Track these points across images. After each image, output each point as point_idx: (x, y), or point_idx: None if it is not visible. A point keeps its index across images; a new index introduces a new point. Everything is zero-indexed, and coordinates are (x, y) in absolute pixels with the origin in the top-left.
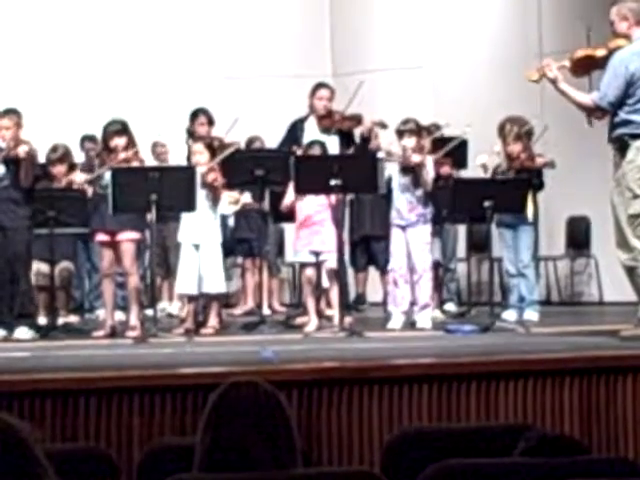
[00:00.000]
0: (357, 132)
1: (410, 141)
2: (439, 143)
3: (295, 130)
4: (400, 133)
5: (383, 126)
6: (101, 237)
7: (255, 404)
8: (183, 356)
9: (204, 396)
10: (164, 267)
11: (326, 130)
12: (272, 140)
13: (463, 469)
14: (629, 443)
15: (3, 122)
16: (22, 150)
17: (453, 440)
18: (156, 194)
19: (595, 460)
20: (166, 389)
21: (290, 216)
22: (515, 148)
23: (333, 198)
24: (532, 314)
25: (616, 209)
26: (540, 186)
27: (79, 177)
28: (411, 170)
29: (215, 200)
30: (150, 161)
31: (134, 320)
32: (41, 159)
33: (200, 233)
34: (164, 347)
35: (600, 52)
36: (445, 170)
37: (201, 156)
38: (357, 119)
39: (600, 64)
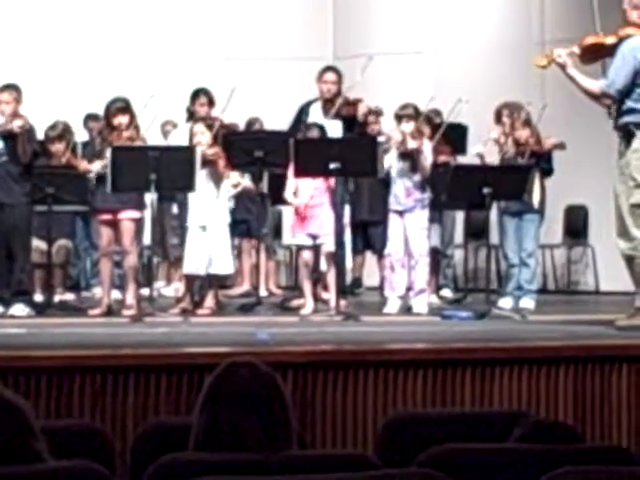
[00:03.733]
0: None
1: (408, 126)
2: (439, 129)
3: (301, 113)
4: (399, 118)
5: (379, 113)
6: (102, 215)
7: (252, 385)
8: (179, 336)
9: (199, 376)
10: (161, 248)
11: (328, 114)
12: (272, 122)
13: (459, 453)
14: (622, 431)
15: (3, 97)
16: (16, 125)
17: (447, 425)
18: (156, 174)
19: (589, 448)
20: (161, 368)
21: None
22: (524, 133)
23: (332, 181)
24: (528, 302)
25: (618, 198)
26: (549, 171)
27: (95, 166)
28: (409, 155)
29: (218, 179)
30: (158, 139)
31: (131, 299)
32: (42, 136)
33: (207, 215)
34: (160, 326)
35: (610, 40)
36: (443, 158)
37: (202, 136)
38: (354, 104)
39: (609, 52)
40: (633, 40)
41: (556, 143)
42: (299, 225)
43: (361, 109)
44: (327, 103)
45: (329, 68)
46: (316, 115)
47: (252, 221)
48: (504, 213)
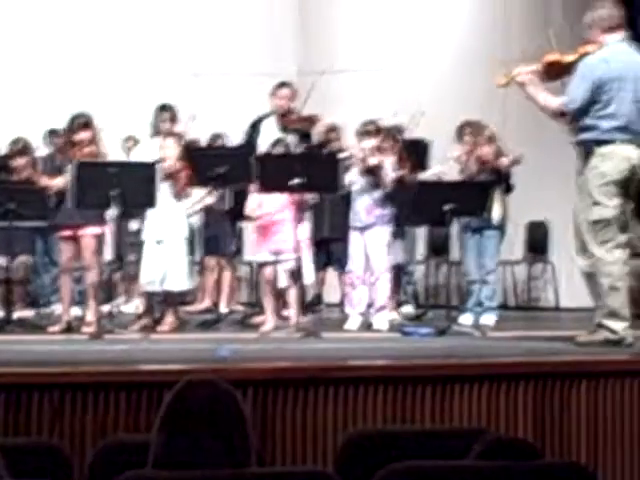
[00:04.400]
0: (316, 132)
1: (370, 142)
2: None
3: (254, 129)
4: (360, 134)
5: (333, 130)
6: (63, 232)
7: (211, 402)
8: (139, 353)
9: (159, 393)
10: (121, 264)
11: (284, 129)
12: (237, 138)
13: (418, 470)
14: (582, 448)
15: None
16: None
17: (407, 442)
18: (117, 189)
19: (548, 465)
20: (121, 386)
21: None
22: (486, 150)
23: (295, 197)
24: (489, 318)
25: (578, 215)
26: (509, 188)
27: (56, 182)
28: (370, 172)
29: (178, 194)
30: (120, 156)
31: (91, 316)
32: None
33: (164, 229)
34: (120, 344)
35: (570, 57)
36: (400, 173)
37: (170, 150)
38: (311, 120)
39: (570, 69)
40: (591, 57)
41: (512, 160)
42: (261, 241)
43: (319, 126)
44: (281, 118)
45: (283, 84)
46: (270, 130)
47: (219, 238)
48: (464, 229)
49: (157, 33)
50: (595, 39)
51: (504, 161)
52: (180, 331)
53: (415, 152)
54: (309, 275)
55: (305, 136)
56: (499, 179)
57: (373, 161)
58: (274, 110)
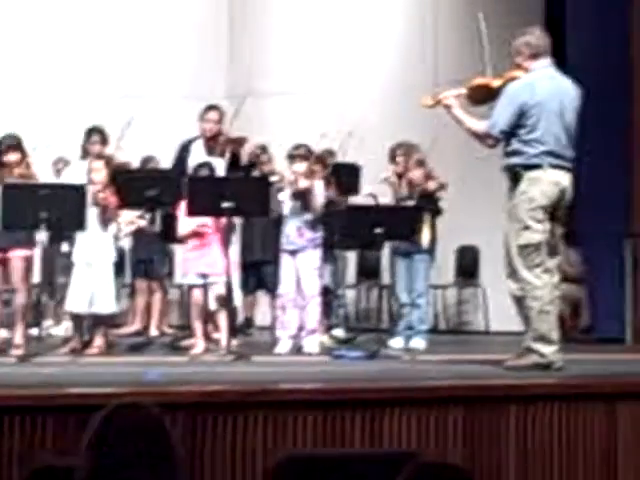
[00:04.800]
0: (244, 154)
1: (301, 166)
2: (333, 169)
3: (183, 151)
4: (291, 158)
5: (263, 150)
6: None
7: (139, 427)
8: (67, 376)
9: (87, 417)
10: (50, 287)
11: (212, 152)
12: (167, 161)
13: None
14: (511, 472)
15: None
16: None
17: (337, 466)
18: (46, 212)
19: None
20: (48, 409)
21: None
22: (417, 173)
23: (223, 221)
24: (419, 342)
25: (507, 239)
26: (437, 212)
27: None
28: (301, 195)
29: (106, 220)
30: (50, 177)
31: (19, 338)
32: None
33: (93, 252)
34: (48, 366)
35: (496, 82)
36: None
37: (98, 174)
38: (239, 142)
39: (496, 94)
40: (517, 82)
41: (438, 185)
42: (190, 264)
43: (247, 149)
44: (209, 141)
45: (211, 107)
46: (198, 153)
47: (150, 260)
48: (395, 253)
49: (87, 55)
50: (522, 64)
51: (430, 185)
52: (109, 354)
53: (346, 175)
54: (237, 297)
55: (234, 159)
56: (428, 203)
57: (304, 184)
58: (202, 133)
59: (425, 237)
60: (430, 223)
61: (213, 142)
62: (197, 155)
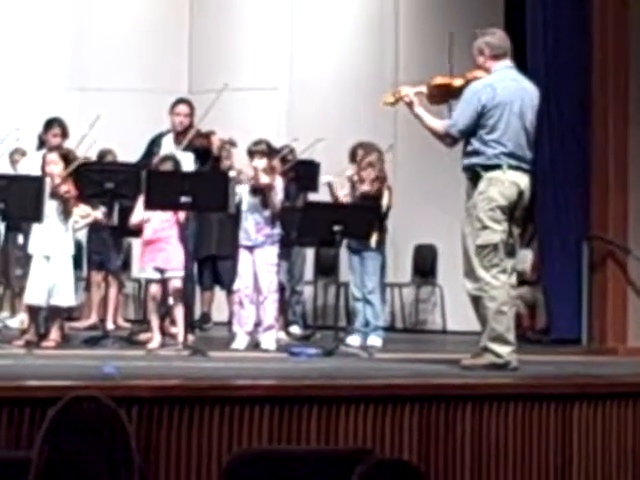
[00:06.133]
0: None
1: (261, 162)
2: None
3: (152, 145)
4: (251, 154)
5: (232, 144)
6: None
7: (95, 420)
8: (22, 368)
9: (42, 409)
10: (6, 278)
11: (180, 146)
12: (125, 154)
13: None
14: (466, 470)
15: None
16: None
17: (292, 462)
18: (3, 203)
19: None
20: (3, 401)
21: (137, 231)
22: (364, 174)
23: (182, 215)
24: (376, 340)
25: (466, 239)
26: (378, 214)
27: None
28: (260, 191)
29: (66, 212)
30: (7, 168)
31: None
32: None
33: (51, 245)
34: (3, 358)
35: (457, 82)
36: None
37: (55, 166)
38: (207, 136)
39: (457, 93)
40: (478, 83)
41: (376, 189)
42: (147, 258)
43: (215, 142)
44: (179, 135)
45: (181, 100)
46: (168, 147)
47: (106, 253)
48: (348, 249)
49: (44, 47)
50: (483, 65)
51: (367, 187)
52: (65, 347)
53: (305, 172)
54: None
55: (203, 153)
56: (378, 203)
57: (264, 180)
58: (173, 126)
59: (372, 238)
60: (378, 223)
61: (182, 136)
62: (168, 148)
